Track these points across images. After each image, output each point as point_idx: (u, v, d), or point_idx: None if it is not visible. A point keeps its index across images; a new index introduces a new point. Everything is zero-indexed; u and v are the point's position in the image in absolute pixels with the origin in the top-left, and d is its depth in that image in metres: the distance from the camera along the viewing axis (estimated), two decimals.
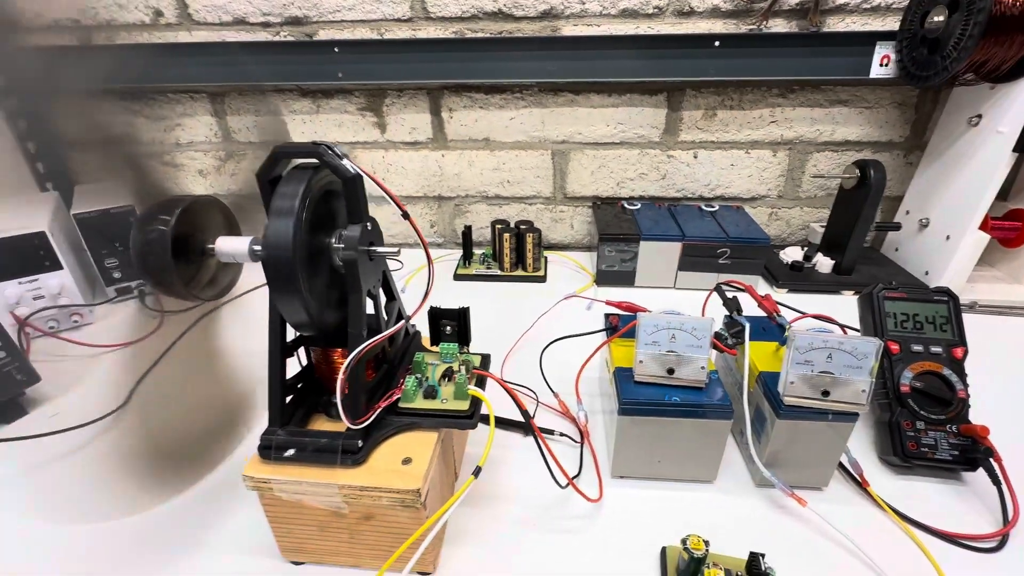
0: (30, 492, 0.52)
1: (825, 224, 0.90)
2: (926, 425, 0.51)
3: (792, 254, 0.90)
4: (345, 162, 0.36)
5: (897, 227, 0.88)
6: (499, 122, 0.95)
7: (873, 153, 0.93)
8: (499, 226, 0.90)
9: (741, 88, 0.89)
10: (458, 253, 0.96)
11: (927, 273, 0.83)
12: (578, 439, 0.55)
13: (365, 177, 0.38)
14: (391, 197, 0.39)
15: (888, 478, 0.52)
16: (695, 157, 0.95)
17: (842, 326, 0.57)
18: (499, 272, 0.91)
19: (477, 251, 0.96)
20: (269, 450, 0.38)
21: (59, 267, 0.75)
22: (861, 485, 0.49)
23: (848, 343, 0.43)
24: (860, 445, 0.55)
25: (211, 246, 0.39)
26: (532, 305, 0.80)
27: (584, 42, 0.85)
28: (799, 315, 0.65)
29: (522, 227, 0.90)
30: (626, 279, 0.87)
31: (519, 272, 0.91)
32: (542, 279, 0.90)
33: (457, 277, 0.91)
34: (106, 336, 0.75)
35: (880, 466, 0.53)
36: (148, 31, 0.92)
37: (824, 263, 0.87)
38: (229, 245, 0.39)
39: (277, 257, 0.34)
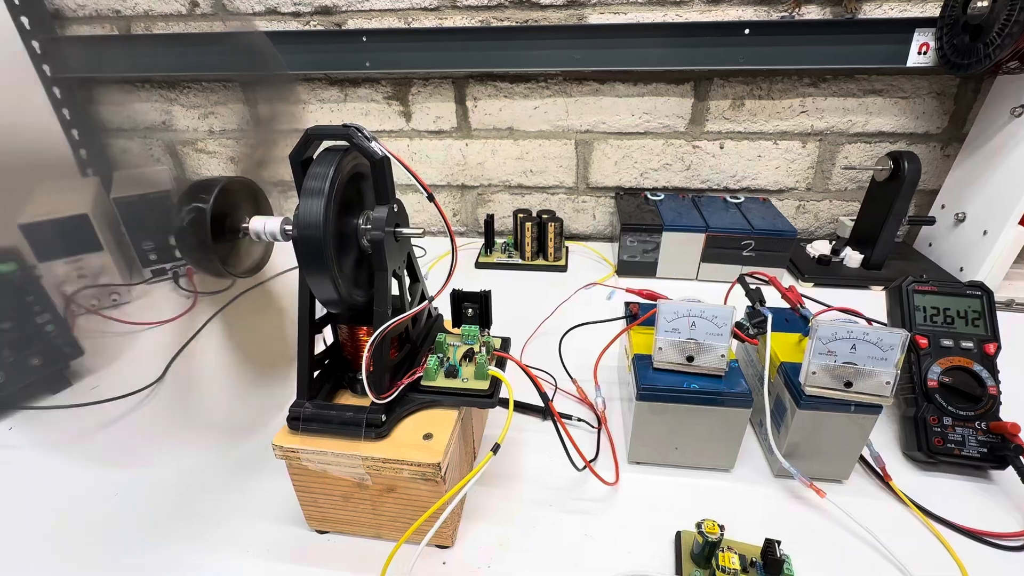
0: (77, 454, 0.55)
1: (855, 218, 0.88)
2: (953, 421, 0.50)
3: (819, 248, 0.89)
4: (374, 144, 0.37)
5: (931, 221, 0.85)
6: (523, 111, 0.95)
7: (908, 145, 0.90)
8: (521, 215, 0.91)
9: (771, 77, 0.87)
10: (480, 242, 0.97)
11: (961, 269, 0.80)
12: (595, 424, 0.56)
13: (392, 160, 0.39)
14: (416, 179, 0.39)
15: (911, 474, 0.51)
16: (721, 148, 0.94)
17: (868, 320, 0.56)
18: (520, 261, 0.92)
19: (499, 240, 0.97)
20: (297, 421, 0.40)
21: (100, 248, 0.78)
22: (883, 479, 0.49)
23: (873, 334, 0.43)
24: (883, 440, 0.54)
25: (245, 225, 0.41)
26: (552, 294, 0.80)
27: (610, 30, 0.84)
28: (824, 308, 0.63)
29: (544, 216, 0.90)
30: (648, 270, 0.87)
31: (540, 261, 0.92)
32: (563, 268, 0.91)
33: (478, 265, 0.92)
34: (143, 315, 0.79)
35: (903, 461, 0.52)
36: (184, 21, 0.95)
37: (853, 257, 0.85)
38: (262, 224, 0.40)
39: (308, 236, 0.36)
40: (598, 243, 1.02)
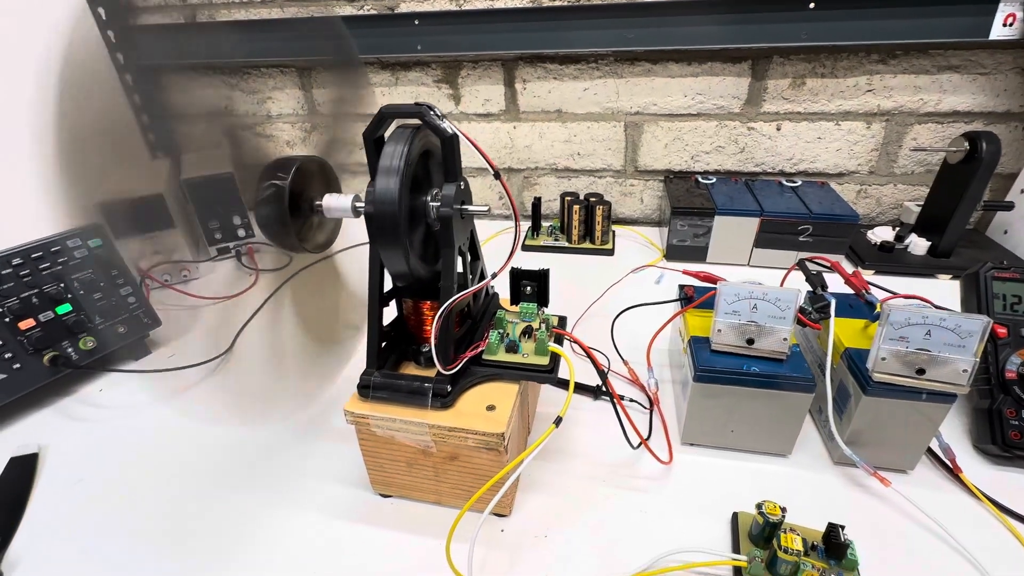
0: (161, 415, 0.60)
1: (921, 203, 0.84)
2: None
3: (882, 234, 0.85)
4: (444, 123, 0.38)
5: (1010, 207, 0.80)
6: (572, 93, 0.94)
7: (985, 125, 0.85)
8: (568, 198, 0.90)
9: (835, 54, 0.83)
10: (526, 225, 0.98)
11: None
12: (647, 405, 0.56)
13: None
14: (484, 156, 0.40)
15: (983, 467, 0.49)
16: (778, 129, 0.91)
17: (938, 308, 0.53)
18: (566, 244, 0.92)
19: (545, 223, 0.97)
20: (367, 389, 0.42)
21: (172, 226, 0.83)
22: (952, 471, 0.47)
23: (951, 320, 0.41)
24: (951, 432, 0.52)
25: (318, 203, 0.43)
26: (599, 277, 0.80)
27: (665, 8, 0.82)
28: (890, 295, 0.61)
29: (592, 200, 0.90)
30: (698, 255, 0.85)
31: (587, 245, 0.92)
32: (610, 252, 0.90)
33: (525, 248, 0.93)
34: (209, 289, 0.83)
35: (974, 454, 0.50)
36: (244, 9, 0.99)
37: (918, 244, 0.81)
38: (334, 202, 0.42)
39: (383, 212, 0.37)
40: (645, 227, 1.00)
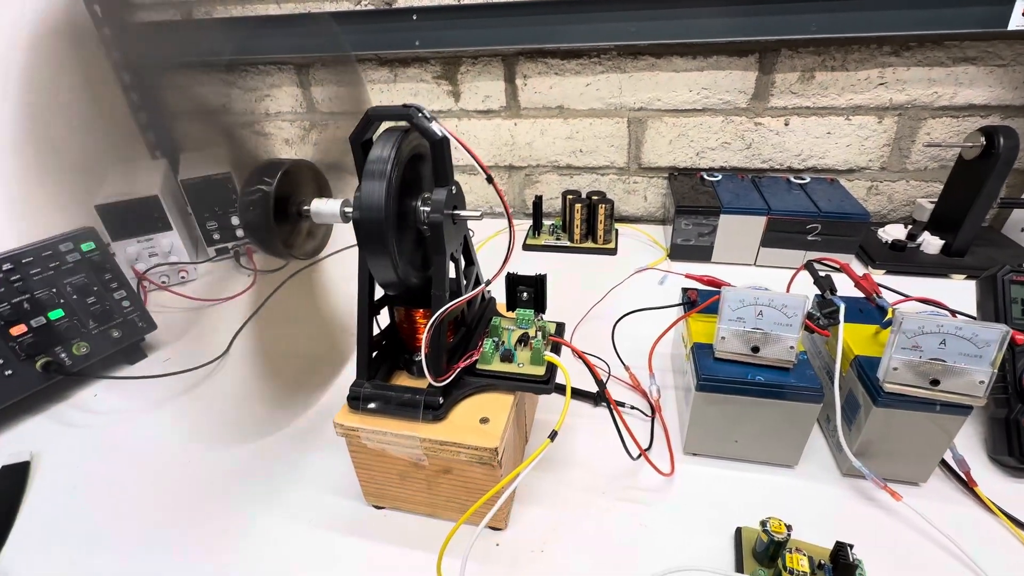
0: (154, 421, 0.59)
1: (935, 200, 0.81)
2: None
3: (893, 232, 0.82)
4: (434, 124, 0.37)
5: None
6: (574, 89, 0.92)
7: (1003, 119, 0.82)
8: (570, 196, 0.89)
9: (846, 46, 0.81)
10: (527, 224, 0.96)
11: None
12: (648, 413, 0.55)
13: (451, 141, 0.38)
14: (476, 160, 0.39)
15: (999, 479, 0.47)
16: (786, 125, 0.88)
17: (952, 311, 0.51)
18: (568, 243, 0.90)
19: (546, 222, 0.95)
20: (357, 401, 0.41)
21: (169, 228, 0.82)
22: (967, 484, 0.45)
23: (967, 329, 0.39)
24: (965, 443, 0.50)
25: (307, 208, 0.41)
26: (602, 278, 0.78)
27: (670, 0, 0.79)
28: (902, 298, 0.59)
29: (594, 198, 0.88)
30: (702, 254, 0.83)
31: (589, 244, 0.90)
32: (612, 251, 0.89)
33: (526, 247, 0.91)
34: (207, 291, 0.83)
35: (989, 466, 0.48)
36: (241, 5, 0.97)
37: (931, 243, 0.79)
38: (323, 207, 0.41)
39: (369, 219, 0.36)
40: (649, 225, 0.98)
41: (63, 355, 0.60)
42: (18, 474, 0.51)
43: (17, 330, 0.57)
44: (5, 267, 0.56)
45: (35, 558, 0.45)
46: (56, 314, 0.59)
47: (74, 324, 0.60)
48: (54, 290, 0.59)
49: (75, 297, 0.61)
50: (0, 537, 0.46)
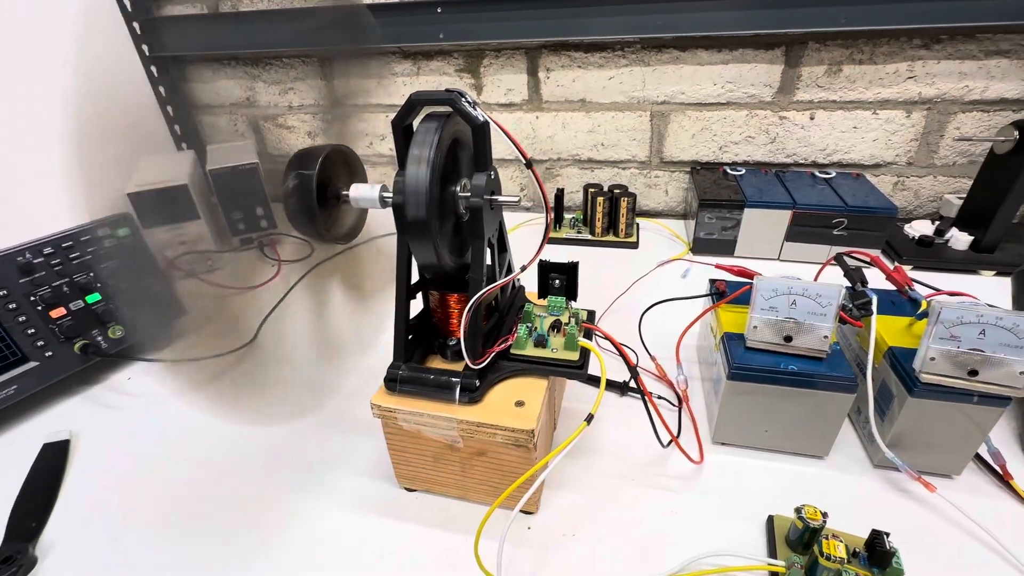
0: (186, 404, 0.60)
1: (964, 195, 0.80)
2: None
3: (920, 228, 0.81)
4: (476, 110, 0.37)
5: None
6: (597, 82, 0.92)
7: None
8: (592, 190, 0.89)
9: (875, 39, 0.80)
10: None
11: None
12: (676, 403, 0.55)
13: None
14: (516, 144, 0.39)
15: None
16: (811, 119, 0.88)
17: (991, 306, 0.51)
18: (589, 237, 0.91)
19: (567, 215, 0.96)
20: (394, 383, 0.41)
21: (197, 217, 0.84)
22: (1002, 477, 0.45)
23: (1008, 319, 0.39)
24: (1000, 437, 0.49)
25: (345, 192, 0.42)
26: (623, 271, 0.78)
27: None
28: (934, 291, 0.58)
29: (616, 191, 0.88)
30: (725, 248, 0.83)
31: (610, 237, 0.90)
32: (634, 245, 0.89)
33: (547, 240, 0.91)
34: (233, 279, 0.84)
35: None
36: None
37: (960, 239, 0.78)
38: (361, 192, 0.42)
39: (413, 203, 0.36)
40: (670, 220, 0.98)
41: (99, 338, 0.61)
42: (59, 452, 0.53)
43: (57, 313, 0.58)
44: (47, 251, 0.58)
45: (79, 531, 0.46)
46: (93, 297, 0.61)
47: (110, 307, 0.62)
48: (91, 274, 0.61)
49: (111, 281, 0.63)
50: (45, 511, 0.47)
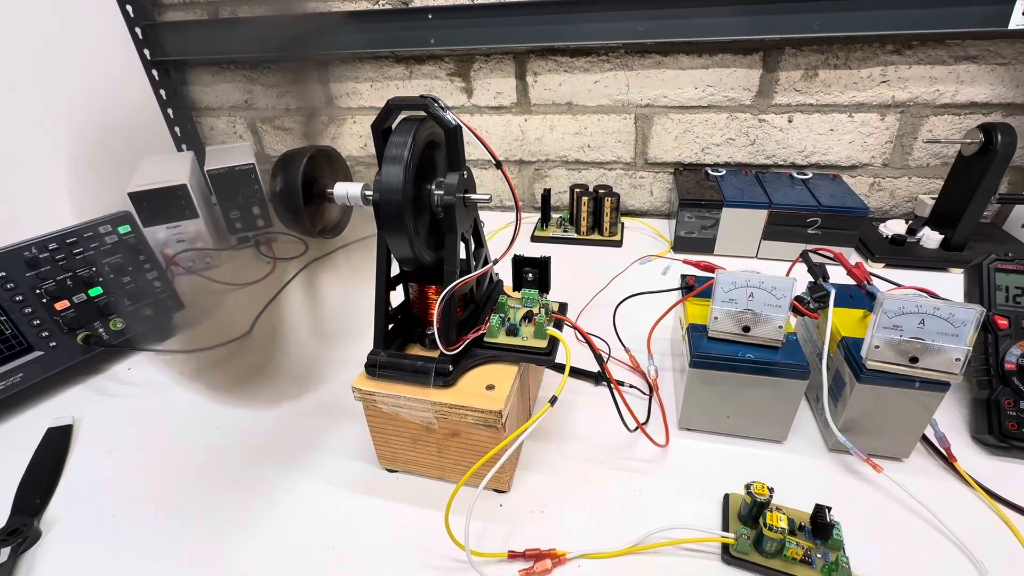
0: (185, 392, 0.63)
1: (936, 196, 0.83)
2: None
3: (894, 227, 0.84)
4: (448, 114, 0.40)
5: None
6: (583, 86, 0.95)
7: (1004, 116, 0.83)
8: (578, 190, 0.92)
9: (849, 45, 0.83)
10: (536, 217, 0.99)
11: None
12: (647, 391, 0.58)
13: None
14: (485, 146, 0.42)
15: (980, 457, 0.49)
16: (789, 122, 0.90)
17: (940, 299, 0.53)
18: (575, 236, 0.93)
19: (554, 215, 0.99)
20: (374, 368, 0.44)
21: (196, 216, 0.87)
22: (947, 460, 0.47)
23: (944, 309, 0.41)
24: (950, 423, 0.52)
25: (330, 190, 0.45)
26: (607, 268, 0.81)
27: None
28: (894, 287, 0.61)
29: (601, 191, 0.91)
30: (705, 246, 0.86)
31: (595, 236, 0.93)
32: (618, 243, 0.91)
33: (534, 239, 0.95)
34: (230, 276, 0.87)
35: (972, 445, 0.51)
36: (266, 4, 1.01)
37: (931, 238, 0.80)
38: (346, 189, 0.45)
39: (389, 200, 0.39)
40: (654, 219, 1.01)
41: (101, 329, 0.64)
42: (62, 435, 0.56)
43: (61, 305, 0.61)
44: (52, 246, 0.61)
45: (81, 507, 0.49)
46: (96, 291, 0.64)
47: (111, 301, 0.65)
48: (94, 269, 0.64)
49: (112, 276, 0.66)
50: (49, 489, 0.50)
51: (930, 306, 0.42)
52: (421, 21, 0.92)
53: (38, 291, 0.60)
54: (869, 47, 0.82)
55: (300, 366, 0.67)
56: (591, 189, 0.92)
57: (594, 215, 0.92)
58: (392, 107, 0.41)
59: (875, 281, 0.56)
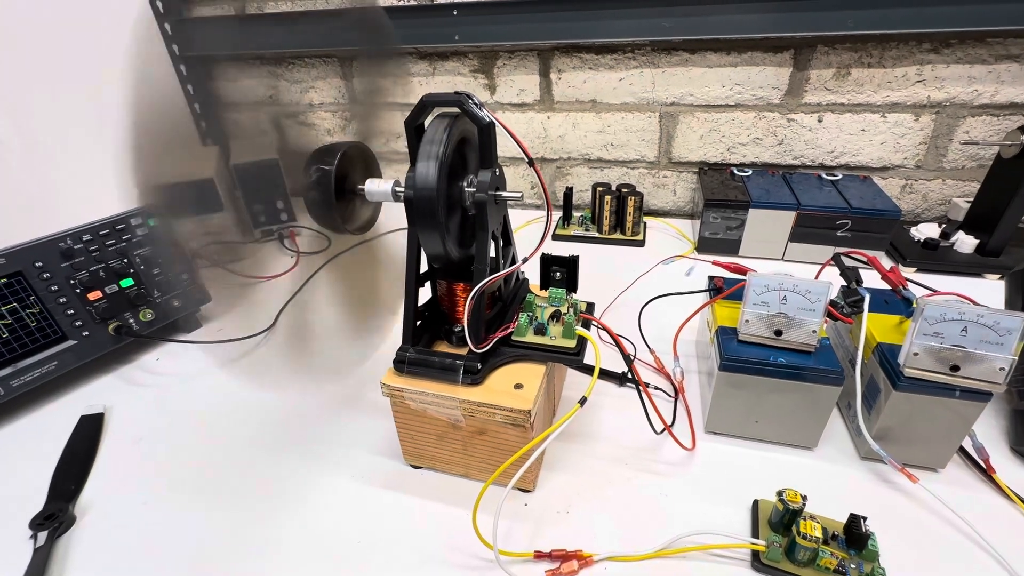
0: (211, 383, 0.64)
1: (971, 200, 0.81)
2: None
3: (926, 231, 0.82)
4: (482, 111, 0.40)
5: None
6: (607, 83, 0.94)
7: None
8: (600, 189, 0.91)
9: (884, 43, 0.81)
10: (557, 214, 0.99)
11: None
12: (672, 394, 0.57)
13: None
14: (519, 143, 0.42)
15: (1019, 470, 0.48)
16: (819, 121, 0.89)
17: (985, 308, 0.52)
18: (597, 234, 0.93)
19: (576, 213, 0.98)
20: (403, 364, 0.44)
21: (221, 209, 0.88)
22: (985, 472, 0.46)
23: (989, 316, 0.40)
24: (988, 434, 0.51)
25: (361, 187, 0.45)
26: (629, 268, 0.81)
27: None
28: (930, 292, 0.60)
29: (623, 190, 0.90)
30: (730, 248, 0.85)
31: (617, 236, 0.92)
32: (640, 243, 0.91)
33: (555, 237, 0.94)
34: (254, 269, 0.88)
35: (1010, 457, 0.49)
36: (290, 0, 1.02)
37: (966, 242, 0.78)
38: (376, 186, 0.45)
39: (422, 197, 0.39)
40: (677, 219, 1.00)
41: (131, 320, 0.66)
42: (95, 423, 0.57)
43: (93, 295, 0.62)
44: (85, 238, 0.62)
45: (113, 494, 0.50)
46: (127, 282, 0.65)
47: (141, 292, 0.66)
48: (125, 260, 0.65)
49: (143, 268, 0.67)
50: (83, 475, 0.51)
51: (974, 313, 0.41)
52: (446, 17, 0.92)
53: (72, 281, 0.61)
54: (905, 45, 0.80)
55: (321, 359, 0.67)
56: (614, 188, 0.92)
57: (616, 214, 0.91)
58: (427, 103, 0.40)
59: (911, 287, 0.55)
